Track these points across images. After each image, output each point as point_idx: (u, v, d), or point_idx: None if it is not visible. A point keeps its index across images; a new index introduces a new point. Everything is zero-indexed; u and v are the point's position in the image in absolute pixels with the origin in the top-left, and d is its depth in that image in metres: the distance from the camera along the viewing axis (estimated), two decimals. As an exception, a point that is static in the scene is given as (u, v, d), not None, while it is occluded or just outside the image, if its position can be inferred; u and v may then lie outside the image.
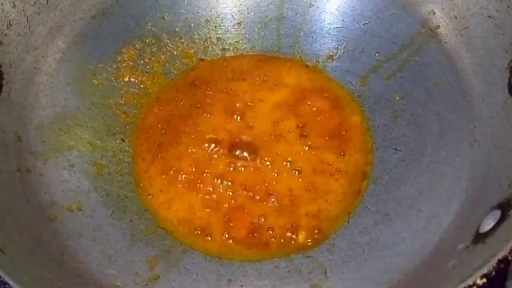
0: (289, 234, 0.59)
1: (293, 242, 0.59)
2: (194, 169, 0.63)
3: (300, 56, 0.70)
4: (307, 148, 0.64)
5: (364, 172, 0.62)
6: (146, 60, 0.68)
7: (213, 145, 0.64)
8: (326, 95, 0.67)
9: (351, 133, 0.65)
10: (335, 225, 0.59)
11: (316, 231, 0.59)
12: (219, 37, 0.70)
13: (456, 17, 0.64)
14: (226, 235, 0.59)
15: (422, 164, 0.61)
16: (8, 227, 0.52)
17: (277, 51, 0.70)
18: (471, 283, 0.44)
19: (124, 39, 0.68)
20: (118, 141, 0.64)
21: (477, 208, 0.53)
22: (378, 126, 0.65)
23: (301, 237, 0.59)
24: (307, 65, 0.69)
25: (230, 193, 0.61)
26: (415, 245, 0.55)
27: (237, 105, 0.67)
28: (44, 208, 0.57)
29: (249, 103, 0.67)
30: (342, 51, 0.69)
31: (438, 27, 0.65)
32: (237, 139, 0.64)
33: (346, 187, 0.61)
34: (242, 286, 0.56)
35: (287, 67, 0.69)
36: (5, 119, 0.59)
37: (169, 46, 0.69)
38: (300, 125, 0.65)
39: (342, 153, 0.63)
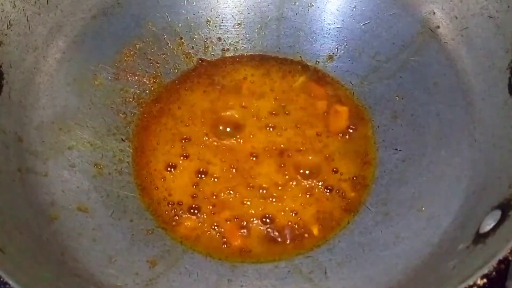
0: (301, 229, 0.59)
1: (306, 236, 0.59)
2: (195, 168, 0.63)
3: (300, 56, 0.70)
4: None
5: (363, 172, 0.62)
6: (146, 60, 0.68)
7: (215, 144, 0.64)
8: (326, 95, 0.67)
9: (351, 133, 0.65)
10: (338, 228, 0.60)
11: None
12: (219, 37, 0.70)
13: (456, 17, 0.64)
14: (227, 236, 0.59)
15: (422, 164, 0.61)
16: (8, 227, 0.52)
17: (277, 51, 0.70)
18: (471, 283, 0.44)
19: (124, 39, 0.68)
20: (118, 141, 0.64)
21: (477, 208, 0.53)
22: (378, 126, 0.65)
23: (315, 230, 0.59)
24: (307, 65, 0.69)
25: (234, 192, 0.61)
26: (415, 245, 0.55)
27: (238, 105, 0.67)
28: (44, 208, 0.57)
29: (249, 104, 0.67)
30: (342, 51, 0.69)
31: (438, 27, 0.65)
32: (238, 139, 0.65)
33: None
34: (242, 286, 0.56)
35: (287, 67, 0.69)
36: (5, 119, 0.58)
37: (169, 46, 0.69)
38: (298, 125, 0.65)
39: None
